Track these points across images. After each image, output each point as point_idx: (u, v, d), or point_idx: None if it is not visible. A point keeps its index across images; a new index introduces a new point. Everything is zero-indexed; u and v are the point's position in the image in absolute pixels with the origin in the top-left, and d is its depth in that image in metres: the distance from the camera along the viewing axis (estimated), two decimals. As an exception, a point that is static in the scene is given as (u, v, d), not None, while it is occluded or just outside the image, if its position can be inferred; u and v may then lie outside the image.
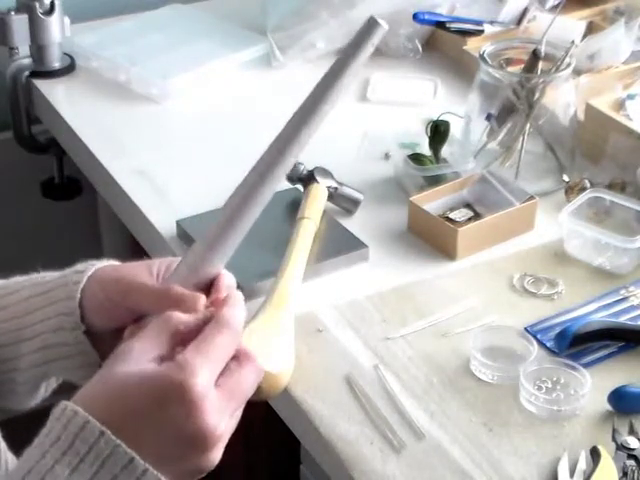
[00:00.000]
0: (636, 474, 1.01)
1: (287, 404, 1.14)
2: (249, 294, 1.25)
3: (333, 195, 1.40)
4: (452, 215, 1.37)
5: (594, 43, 1.66)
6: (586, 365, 1.15)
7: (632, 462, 1.02)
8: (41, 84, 1.78)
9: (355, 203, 1.42)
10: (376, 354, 1.18)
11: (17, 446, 0.73)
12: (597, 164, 1.47)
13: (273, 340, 1.14)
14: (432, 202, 1.38)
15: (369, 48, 0.77)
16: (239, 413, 0.76)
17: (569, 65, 1.42)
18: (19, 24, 1.75)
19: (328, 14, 1.79)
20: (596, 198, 1.37)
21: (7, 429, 0.88)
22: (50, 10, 1.75)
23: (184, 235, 1.36)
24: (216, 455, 0.73)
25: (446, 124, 1.49)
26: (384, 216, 1.42)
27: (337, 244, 1.34)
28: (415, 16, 1.78)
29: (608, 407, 1.10)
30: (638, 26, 1.69)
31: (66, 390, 0.74)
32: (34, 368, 0.89)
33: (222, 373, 0.74)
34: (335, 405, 1.11)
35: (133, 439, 0.70)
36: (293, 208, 1.36)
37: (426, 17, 1.79)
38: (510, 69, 1.48)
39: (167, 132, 1.66)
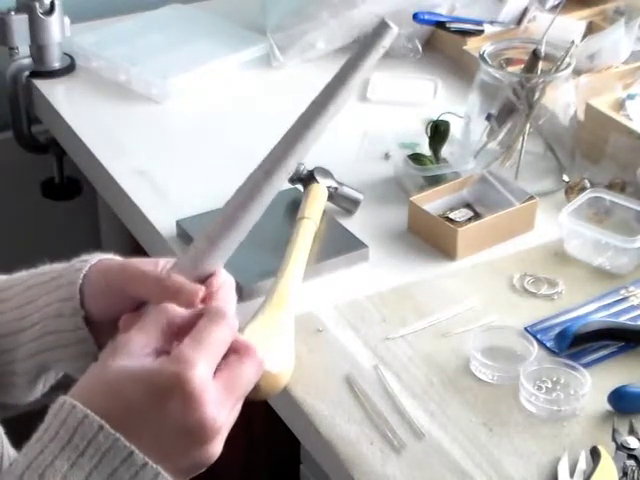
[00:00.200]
0: (636, 474, 1.01)
1: (287, 404, 1.14)
2: (249, 294, 1.25)
3: (333, 195, 1.40)
4: (452, 215, 1.37)
5: (594, 43, 1.66)
6: (586, 365, 1.15)
7: (632, 462, 1.02)
8: (41, 84, 1.78)
9: (355, 203, 1.42)
10: (376, 354, 1.18)
11: (20, 445, 0.73)
12: (597, 164, 1.47)
13: (273, 340, 1.14)
14: (432, 202, 1.38)
15: (379, 50, 0.78)
16: (238, 407, 0.75)
17: (569, 65, 1.42)
18: (19, 24, 1.75)
19: (328, 14, 1.79)
20: (596, 198, 1.37)
21: (10, 428, 0.88)
22: (50, 10, 1.75)
23: (184, 235, 1.36)
24: (216, 448, 0.73)
25: (446, 124, 1.49)
26: (384, 216, 1.42)
27: (337, 244, 1.34)
28: (415, 16, 1.78)
29: (608, 407, 1.10)
30: (638, 26, 1.69)
31: (66, 388, 0.74)
32: (33, 357, 0.89)
33: (221, 366, 0.74)
34: (335, 405, 1.11)
35: (132, 432, 0.70)
36: (293, 208, 1.36)
37: (426, 17, 1.79)
38: (510, 69, 1.48)
39: (167, 132, 1.66)
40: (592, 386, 1.10)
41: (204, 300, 0.80)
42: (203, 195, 1.42)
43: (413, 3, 1.79)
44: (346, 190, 1.42)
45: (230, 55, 1.80)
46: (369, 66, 0.78)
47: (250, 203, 0.79)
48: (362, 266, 1.33)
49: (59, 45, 1.79)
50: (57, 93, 1.77)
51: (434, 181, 1.43)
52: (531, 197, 1.38)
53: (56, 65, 1.80)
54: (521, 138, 1.45)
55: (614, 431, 1.05)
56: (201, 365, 0.71)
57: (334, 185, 1.40)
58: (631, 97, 1.53)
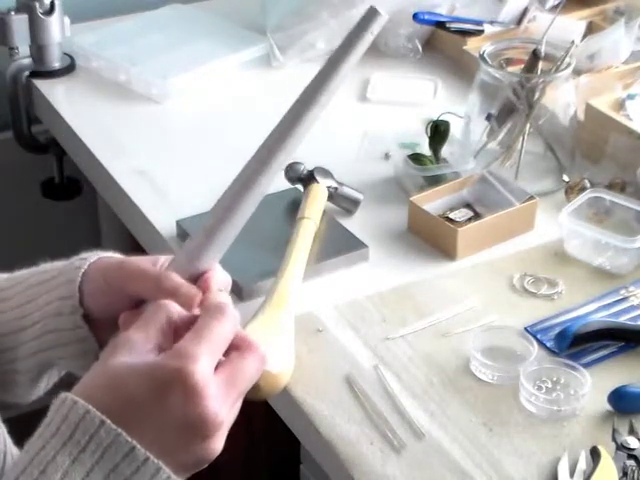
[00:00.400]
0: (636, 474, 1.01)
1: (287, 404, 1.14)
2: (249, 294, 1.26)
3: (333, 195, 1.40)
4: (452, 215, 1.37)
5: (594, 43, 1.66)
6: (586, 365, 1.15)
7: (632, 462, 1.02)
8: (41, 84, 1.78)
9: (355, 203, 1.42)
10: (376, 354, 1.18)
11: (23, 444, 0.73)
12: (597, 164, 1.47)
13: (273, 340, 1.14)
14: (432, 202, 1.38)
15: (369, 37, 0.77)
16: (239, 404, 0.75)
17: (569, 65, 1.42)
18: (19, 24, 1.75)
19: (328, 14, 1.79)
20: (596, 198, 1.37)
21: (13, 427, 0.88)
22: (50, 10, 1.75)
23: (184, 235, 1.36)
24: (217, 444, 0.73)
25: (446, 124, 1.49)
26: (384, 216, 1.42)
27: (337, 244, 1.34)
28: (415, 16, 1.78)
29: (608, 407, 1.10)
30: (638, 26, 1.70)
31: (69, 386, 0.74)
32: (34, 356, 0.89)
33: (223, 361, 0.74)
34: (335, 405, 1.11)
35: (134, 428, 0.70)
36: (293, 208, 1.36)
37: (426, 17, 1.79)
38: (510, 69, 1.48)
39: (167, 132, 1.66)
40: (592, 386, 1.10)
41: (201, 302, 0.80)
42: (203, 195, 1.41)
43: (413, 3, 1.79)
44: (346, 190, 1.42)
45: (230, 55, 1.80)
46: (360, 53, 0.78)
47: (246, 192, 0.79)
48: (362, 266, 1.33)
49: (59, 45, 1.79)
50: (57, 93, 1.77)
51: (434, 181, 1.43)
52: (531, 197, 1.38)
53: (56, 65, 1.80)
54: (521, 138, 1.45)
55: (614, 431, 1.05)
56: (203, 360, 0.71)
57: (334, 185, 1.40)
58: (631, 97, 1.53)
